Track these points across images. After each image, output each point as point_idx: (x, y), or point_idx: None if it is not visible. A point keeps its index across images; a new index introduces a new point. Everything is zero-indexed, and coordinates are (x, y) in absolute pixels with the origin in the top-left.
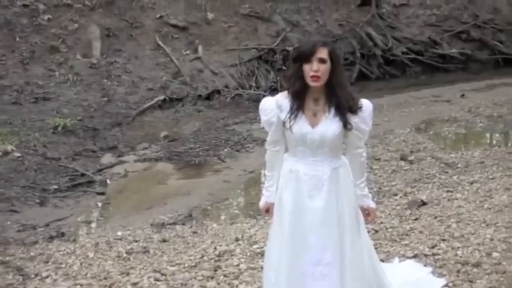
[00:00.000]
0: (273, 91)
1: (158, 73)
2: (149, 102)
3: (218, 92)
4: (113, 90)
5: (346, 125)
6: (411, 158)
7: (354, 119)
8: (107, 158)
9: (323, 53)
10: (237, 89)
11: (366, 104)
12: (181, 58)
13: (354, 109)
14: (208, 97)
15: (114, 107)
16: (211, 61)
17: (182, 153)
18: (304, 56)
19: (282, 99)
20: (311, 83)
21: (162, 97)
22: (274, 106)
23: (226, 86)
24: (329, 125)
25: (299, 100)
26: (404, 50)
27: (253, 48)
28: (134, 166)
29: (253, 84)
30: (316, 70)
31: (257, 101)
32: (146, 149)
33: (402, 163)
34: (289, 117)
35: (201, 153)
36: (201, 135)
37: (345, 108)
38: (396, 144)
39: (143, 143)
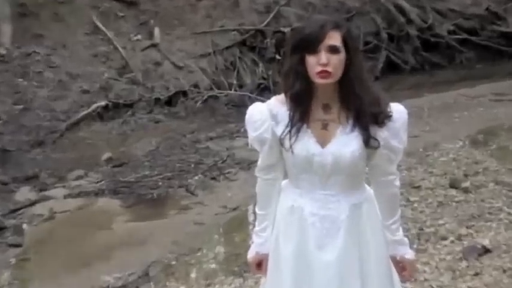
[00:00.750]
0: (263, 91)
1: (97, 68)
2: (85, 111)
3: (184, 94)
4: (32, 93)
5: (369, 141)
6: (466, 184)
7: (381, 133)
8: (24, 193)
9: (335, 38)
10: (211, 89)
11: (398, 110)
12: (129, 46)
13: (382, 118)
14: (169, 101)
15: (33, 118)
16: (173, 50)
17: (133, 183)
18: (308, 44)
19: (278, 105)
20: (318, 81)
21: (103, 103)
22: (267, 116)
23: (196, 86)
24: (346, 142)
25: (302, 107)
26: (451, 28)
27: (234, 30)
28: (64, 204)
29: (235, 82)
30: (325, 63)
31: (240, 105)
32: (81, 179)
33: (453, 192)
34: (289, 132)
35: (160, 183)
36: (161, 156)
37: (368, 118)
38: (443, 164)
39: (77, 170)
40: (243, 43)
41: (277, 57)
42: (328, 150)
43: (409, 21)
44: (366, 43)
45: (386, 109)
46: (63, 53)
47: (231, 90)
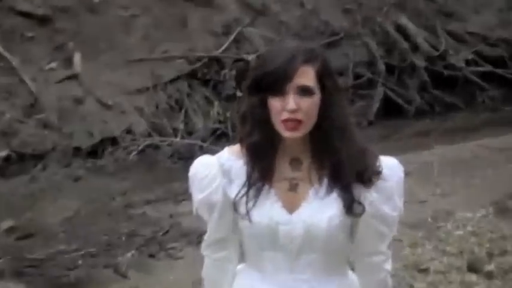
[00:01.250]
0: (219, 139)
1: None
2: None
3: (113, 141)
4: None
5: (352, 206)
6: (489, 267)
7: (368, 196)
8: None
9: (306, 75)
10: (150, 135)
11: (390, 165)
12: (40, 77)
13: (368, 176)
14: (93, 152)
15: None
16: (99, 82)
17: (44, 262)
18: (271, 83)
19: (232, 159)
20: (284, 133)
21: (3, 153)
22: (216, 172)
23: (129, 131)
24: (321, 207)
25: (263, 161)
26: (470, 57)
27: (180, 57)
28: None
29: (181, 126)
30: (293, 109)
31: (188, 158)
32: None
33: (473, 278)
34: (246, 194)
35: (80, 261)
36: (81, 226)
37: (349, 175)
38: (459, 240)
39: None
40: (192, 75)
41: (238, 93)
42: (298, 218)
43: (415, 47)
44: (357, 76)
45: (374, 163)
46: None
47: (176, 137)
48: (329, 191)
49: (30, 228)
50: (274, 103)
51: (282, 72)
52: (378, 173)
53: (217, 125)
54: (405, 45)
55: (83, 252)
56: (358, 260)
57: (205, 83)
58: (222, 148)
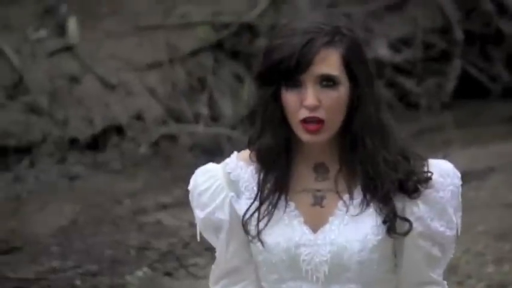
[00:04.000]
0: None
1: None
2: None
3: (119, 131)
4: None
5: (394, 223)
6: None
7: (414, 210)
8: None
9: (330, 62)
10: (165, 123)
11: (443, 171)
12: (26, 49)
13: (413, 185)
14: (94, 144)
15: None
16: (100, 56)
17: (32, 283)
18: (284, 72)
19: (241, 167)
20: (304, 137)
21: None
22: (221, 184)
23: (139, 118)
24: (353, 225)
25: (278, 169)
26: None
27: (203, 23)
28: None
29: (204, 111)
30: (313, 105)
31: (214, 151)
32: None
33: None
34: (257, 210)
35: (78, 281)
36: (79, 237)
37: (388, 185)
38: None
39: None
40: (218, 46)
41: None
42: (324, 238)
43: (502, 9)
44: (428, 47)
45: (420, 169)
46: None
47: (197, 124)
48: (363, 204)
49: (15, 241)
50: (290, 98)
51: (297, 58)
52: (425, 180)
53: (252, 109)
54: (490, 6)
55: (81, 271)
56: None
57: (234, 56)
58: None
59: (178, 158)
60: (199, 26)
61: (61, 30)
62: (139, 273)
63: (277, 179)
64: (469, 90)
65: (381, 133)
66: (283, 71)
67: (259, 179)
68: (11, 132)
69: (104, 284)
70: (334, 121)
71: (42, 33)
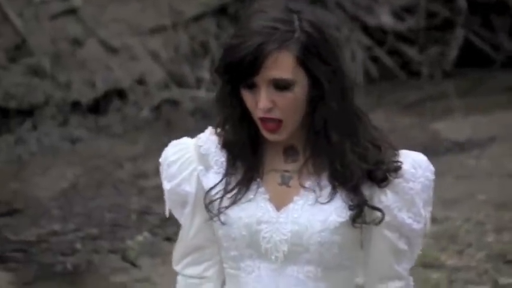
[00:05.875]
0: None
1: None
2: None
3: (121, 94)
4: None
5: (361, 211)
6: None
7: (382, 198)
8: None
9: (282, 65)
10: (167, 87)
11: (416, 162)
12: (28, 11)
13: (382, 173)
14: (95, 107)
15: None
16: (103, 19)
17: (33, 245)
18: (238, 74)
19: (212, 140)
20: (265, 134)
21: None
22: (191, 156)
23: (141, 82)
24: (317, 206)
25: (244, 158)
26: None
27: None
28: None
29: (207, 75)
30: (266, 108)
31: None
32: None
33: None
34: (224, 188)
35: (79, 244)
36: (80, 200)
37: (356, 174)
38: None
39: None
40: (222, 10)
41: None
42: (286, 216)
43: None
44: (430, 15)
45: (391, 157)
46: None
47: (199, 89)
48: (332, 194)
49: (16, 203)
50: (247, 97)
51: (249, 61)
52: (395, 169)
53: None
54: None
55: (82, 234)
56: (369, 285)
57: (237, 21)
58: None
59: (179, 122)
60: None
61: None
62: (140, 237)
63: (244, 163)
64: (472, 59)
65: (347, 125)
66: (238, 73)
67: (226, 156)
68: (13, 94)
69: (104, 248)
70: (293, 119)
71: None
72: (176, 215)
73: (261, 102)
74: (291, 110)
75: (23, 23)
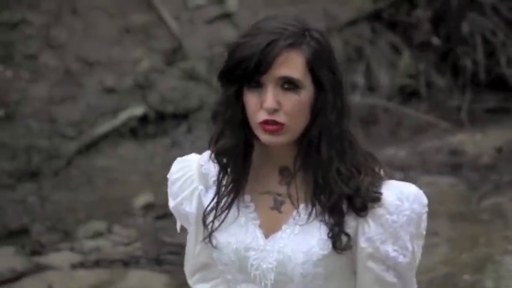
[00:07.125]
0: (409, 99)
1: (129, 51)
2: (107, 124)
3: None
4: (19, 90)
5: (337, 238)
6: None
7: (366, 228)
8: (5, 259)
9: (292, 64)
10: None
11: (404, 194)
12: (185, 15)
13: (360, 201)
14: None
15: (20, 132)
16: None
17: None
18: (244, 73)
19: (213, 160)
20: (262, 137)
21: (138, 111)
22: (193, 175)
23: None
24: (301, 235)
25: (235, 171)
26: None
27: None
28: (71, 279)
29: (361, 80)
30: (272, 108)
31: (368, 120)
32: (100, 237)
33: None
34: (215, 206)
35: None
36: None
37: (336, 197)
38: None
39: (93, 222)
40: (376, 16)
41: (435, 41)
42: (274, 246)
43: None
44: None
45: (371, 185)
46: (71, 23)
47: (354, 94)
48: (312, 215)
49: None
50: (250, 98)
51: (258, 58)
52: (372, 199)
53: (406, 81)
54: None
55: None
56: None
57: (392, 26)
58: (413, 108)
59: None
60: None
61: None
62: None
63: (234, 179)
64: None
65: (339, 143)
66: (244, 71)
67: (218, 175)
68: (170, 98)
69: None
70: (295, 125)
71: (201, 0)
72: (186, 227)
73: (267, 101)
74: (295, 114)
75: (179, 27)
